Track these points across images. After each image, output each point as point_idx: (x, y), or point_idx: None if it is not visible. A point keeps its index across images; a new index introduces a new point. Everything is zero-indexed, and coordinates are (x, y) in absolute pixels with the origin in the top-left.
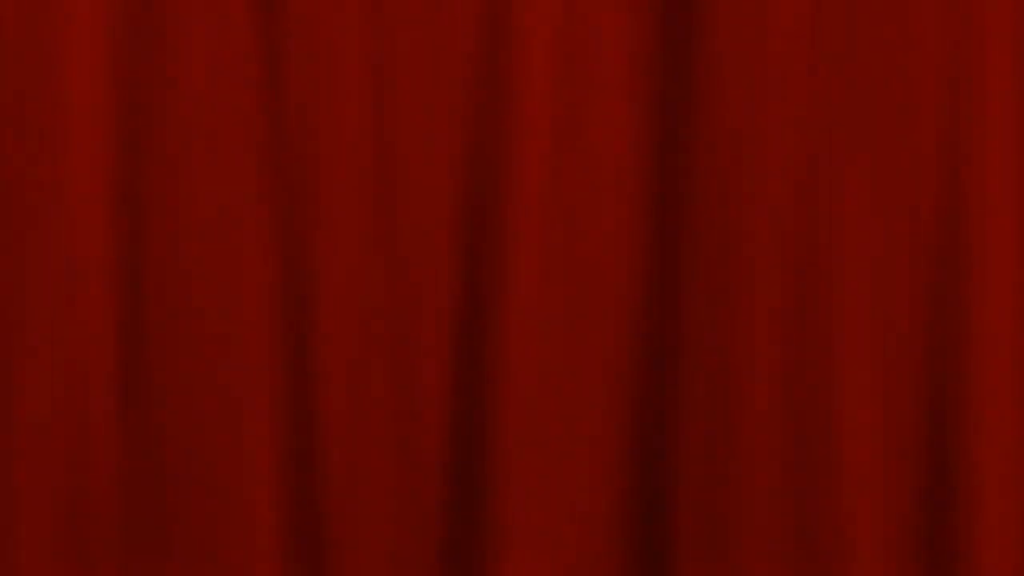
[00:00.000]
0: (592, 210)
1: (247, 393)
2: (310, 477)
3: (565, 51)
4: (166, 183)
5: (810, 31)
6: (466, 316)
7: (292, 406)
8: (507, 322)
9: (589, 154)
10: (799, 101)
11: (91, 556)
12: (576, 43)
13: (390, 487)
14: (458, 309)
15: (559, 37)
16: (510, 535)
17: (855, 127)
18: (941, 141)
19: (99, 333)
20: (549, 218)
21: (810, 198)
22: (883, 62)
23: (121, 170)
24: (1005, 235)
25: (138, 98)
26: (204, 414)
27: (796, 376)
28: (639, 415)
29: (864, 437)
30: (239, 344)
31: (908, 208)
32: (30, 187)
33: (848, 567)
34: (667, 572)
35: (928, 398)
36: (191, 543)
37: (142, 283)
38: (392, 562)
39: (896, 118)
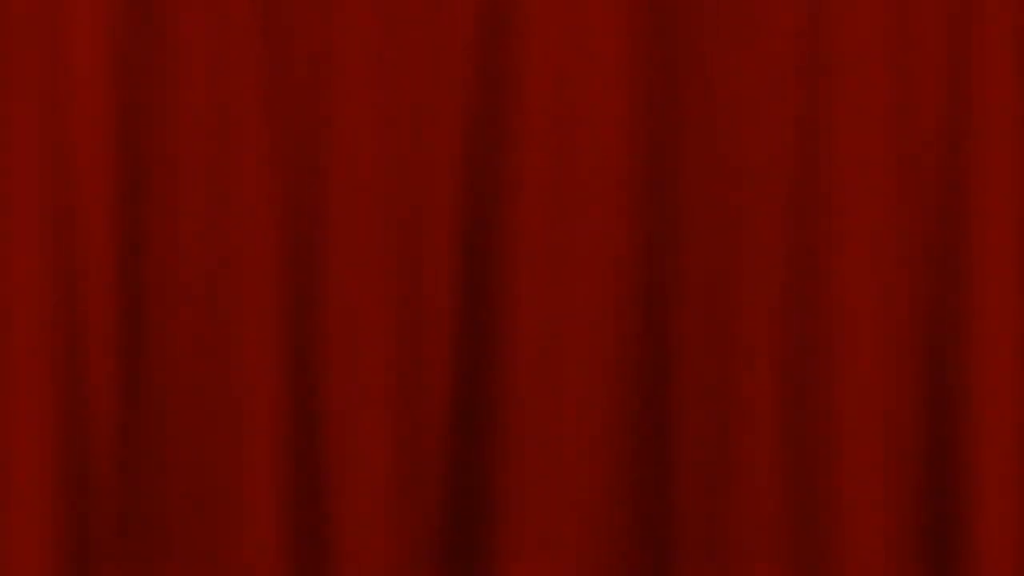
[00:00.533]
0: (591, 208)
1: (248, 393)
2: (311, 478)
3: (564, 48)
4: (166, 183)
5: (808, 31)
6: (468, 316)
7: (293, 407)
8: (507, 320)
9: (587, 152)
10: (798, 101)
11: (91, 556)
12: (574, 41)
13: (391, 487)
14: (460, 309)
15: (558, 34)
16: (511, 536)
17: (854, 128)
18: (941, 141)
19: (100, 333)
20: (549, 216)
21: (809, 198)
22: (882, 62)
23: (121, 168)
24: (1005, 236)
25: (138, 98)
26: (204, 414)
27: (797, 376)
28: (640, 415)
29: (864, 437)
30: (240, 344)
31: (908, 209)
32: (31, 186)
33: (848, 567)
34: (668, 573)
35: (928, 398)
36: (191, 543)
37: (142, 283)
38: (392, 562)
39: (896, 118)
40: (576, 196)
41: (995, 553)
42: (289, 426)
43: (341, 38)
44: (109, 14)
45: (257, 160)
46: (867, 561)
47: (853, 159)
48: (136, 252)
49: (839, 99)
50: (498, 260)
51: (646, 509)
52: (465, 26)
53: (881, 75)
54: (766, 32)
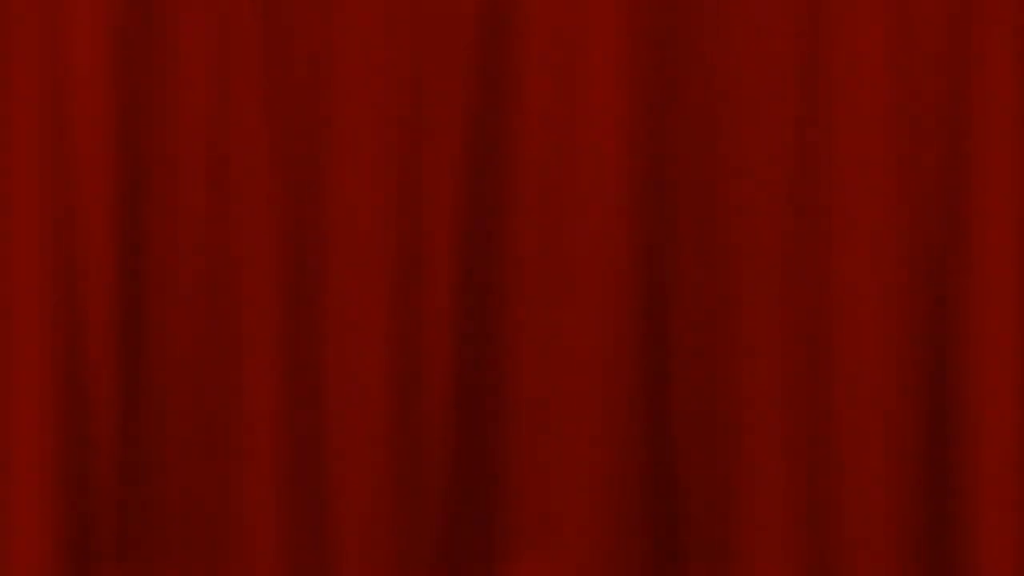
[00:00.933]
0: (591, 207)
1: (248, 393)
2: (311, 478)
3: (564, 48)
4: (166, 183)
5: (808, 31)
6: (468, 316)
7: (293, 407)
8: (509, 320)
9: (587, 152)
10: (798, 101)
11: (91, 556)
12: (574, 41)
13: (392, 488)
14: (460, 309)
15: (558, 34)
16: (512, 536)
17: (854, 128)
18: (941, 141)
19: (99, 333)
20: (549, 215)
21: (809, 198)
22: (882, 61)
23: (121, 168)
24: (1005, 236)
25: (138, 98)
26: (204, 414)
27: (798, 376)
28: (641, 417)
29: (865, 437)
30: (240, 344)
31: (908, 209)
32: (31, 186)
33: (849, 567)
34: (669, 573)
35: (929, 398)
36: (191, 543)
37: (142, 283)
38: (393, 562)
39: (896, 118)
40: (576, 195)
41: (995, 553)
42: (289, 426)
43: (341, 38)
44: (109, 14)
45: (257, 160)
46: (867, 560)
47: (853, 159)
48: (136, 252)
49: (839, 99)
50: (499, 259)
51: (647, 510)
52: (465, 26)
53: (881, 75)
54: (766, 32)
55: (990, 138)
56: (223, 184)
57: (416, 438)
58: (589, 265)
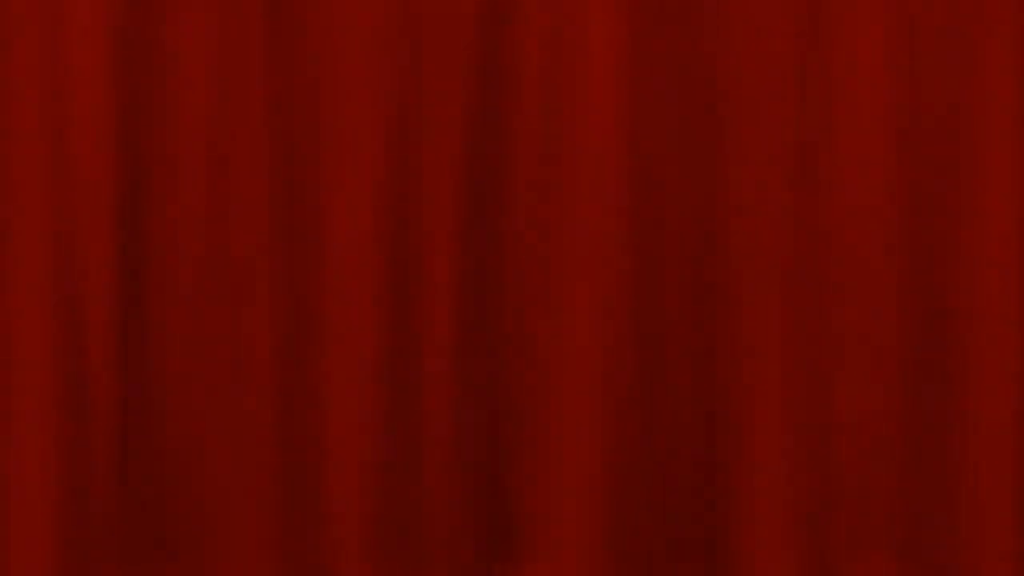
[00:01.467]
0: (592, 208)
1: (248, 394)
2: (312, 478)
3: (564, 48)
4: (166, 183)
5: (806, 31)
6: (468, 314)
7: (294, 407)
8: (509, 316)
9: (588, 152)
10: (796, 100)
11: (91, 556)
12: (575, 41)
13: (393, 488)
14: (459, 308)
15: (558, 34)
16: (514, 538)
17: (852, 128)
18: (941, 141)
19: (100, 333)
20: (550, 215)
21: (809, 196)
22: (882, 61)
23: (121, 168)
24: (1006, 235)
25: (138, 98)
26: (205, 415)
27: (798, 377)
28: (642, 414)
29: (864, 437)
30: (241, 345)
31: (908, 207)
32: (30, 187)
33: (847, 566)
34: (669, 573)
35: (928, 398)
36: (191, 543)
37: (142, 283)
38: (395, 564)
39: (895, 117)
40: (576, 195)
41: (995, 553)
42: (290, 426)
43: (341, 38)
44: (109, 14)
45: (257, 160)
46: (866, 560)
47: (853, 159)
48: (136, 252)
49: (839, 99)
50: (498, 258)
51: (647, 511)
52: (465, 26)
53: (881, 75)
54: (766, 32)
55: (990, 138)
56: (223, 184)
57: (416, 438)
58: (589, 264)
